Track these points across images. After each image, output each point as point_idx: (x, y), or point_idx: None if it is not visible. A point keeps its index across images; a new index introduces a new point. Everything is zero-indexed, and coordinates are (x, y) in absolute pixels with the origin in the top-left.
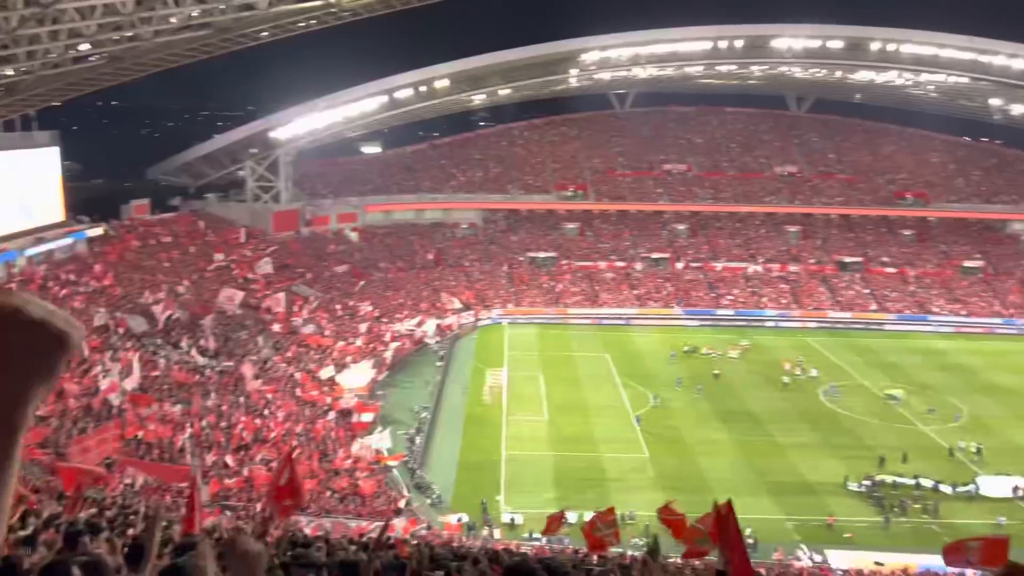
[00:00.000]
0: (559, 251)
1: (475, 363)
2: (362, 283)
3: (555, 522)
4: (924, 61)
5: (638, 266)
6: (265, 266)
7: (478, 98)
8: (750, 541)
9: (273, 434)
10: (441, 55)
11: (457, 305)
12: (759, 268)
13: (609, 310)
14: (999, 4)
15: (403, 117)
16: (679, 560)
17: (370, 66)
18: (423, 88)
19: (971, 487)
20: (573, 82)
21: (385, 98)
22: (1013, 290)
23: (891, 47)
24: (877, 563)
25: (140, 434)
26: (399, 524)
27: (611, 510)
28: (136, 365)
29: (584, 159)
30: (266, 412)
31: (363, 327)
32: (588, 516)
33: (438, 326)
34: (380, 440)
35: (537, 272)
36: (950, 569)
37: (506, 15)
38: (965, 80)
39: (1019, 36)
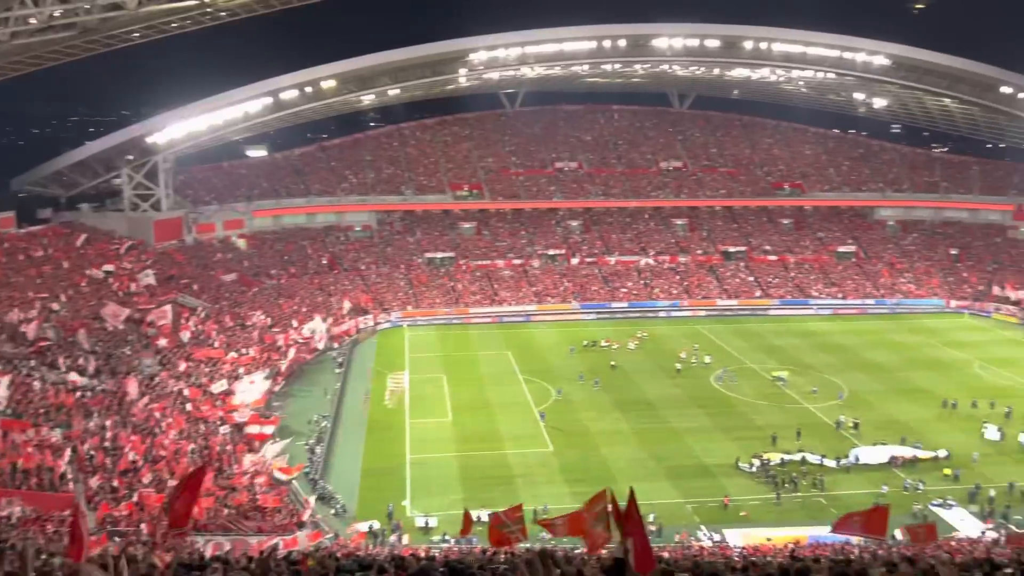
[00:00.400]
0: (457, 251)
1: (375, 367)
2: (253, 291)
3: (468, 523)
4: (794, 58)
5: (535, 263)
6: (147, 278)
7: (367, 98)
8: (653, 528)
9: (164, 453)
10: (329, 55)
11: (349, 308)
12: (650, 261)
13: (509, 308)
14: (861, 3)
15: (290, 119)
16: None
17: (254, 67)
18: (309, 89)
19: (850, 458)
20: (463, 82)
21: (269, 99)
22: (883, 273)
23: (763, 45)
24: (767, 539)
25: (19, 462)
26: (302, 537)
27: (519, 507)
28: (3, 388)
29: (477, 158)
30: (155, 431)
31: (255, 337)
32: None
33: (334, 332)
34: (278, 452)
35: (435, 273)
36: (837, 538)
37: (394, 15)
38: (832, 76)
39: (879, 34)
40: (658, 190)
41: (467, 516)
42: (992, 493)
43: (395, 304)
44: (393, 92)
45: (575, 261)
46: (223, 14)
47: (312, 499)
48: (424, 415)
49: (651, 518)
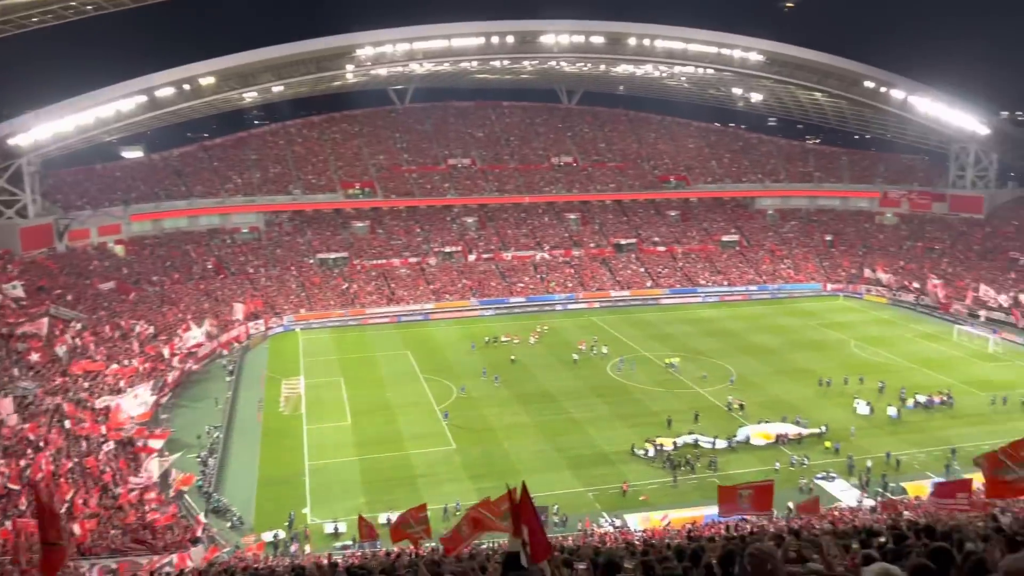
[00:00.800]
0: (350, 250)
1: (269, 374)
2: (133, 299)
3: (368, 527)
4: (675, 54)
5: (432, 261)
6: (15, 290)
7: (250, 96)
8: (557, 519)
9: (41, 476)
10: (209, 50)
11: (240, 316)
12: (546, 255)
13: (406, 307)
14: (737, 1)
15: (167, 118)
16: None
17: (127, 64)
18: (187, 86)
19: (737, 437)
20: (350, 78)
21: (144, 98)
22: (765, 260)
23: (646, 42)
24: (664, 520)
25: None
26: (197, 554)
27: (423, 507)
28: None
29: (368, 156)
30: (29, 453)
31: (137, 347)
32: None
33: (223, 338)
34: (166, 467)
35: (329, 274)
36: (731, 516)
37: (277, 8)
38: (711, 72)
39: (754, 31)
40: (551, 185)
41: (362, 521)
42: (869, 464)
43: (287, 307)
44: (277, 89)
45: (472, 257)
46: (89, 8)
47: (202, 515)
48: (322, 420)
49: (555, 509)
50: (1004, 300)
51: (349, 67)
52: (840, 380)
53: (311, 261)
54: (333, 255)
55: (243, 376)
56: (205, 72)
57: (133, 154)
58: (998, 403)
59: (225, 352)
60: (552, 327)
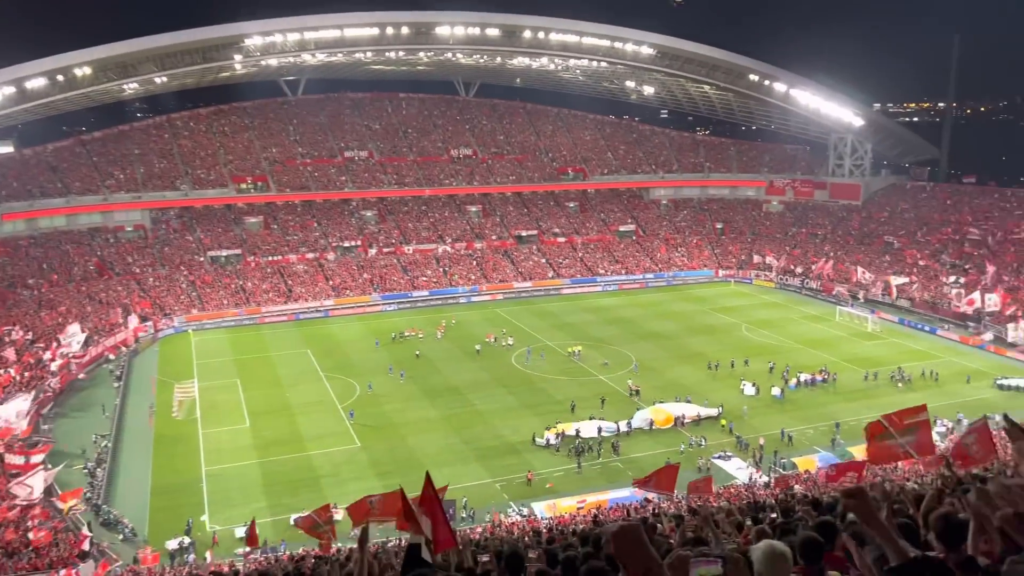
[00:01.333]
0: (244, 247)
1: (160, 378)
2: (8, 304)
3: (253, 535)
4: (570, 47)
5: (330, 256)
6: None
7: (131, 87)
8: (465, 514)
9: None
10: (85, 39)
11: (132, 318)
12: (448, 248)
13: (305, 304)
14: None
15: (39, 110)
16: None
17: None
18: (61, 77)
19: (634, 422)
20: (239, 68)
21: (12, 89)
22: (660, 248)
23: (541, 34)
24: (576, 506)
25: None
26: (87, 570)
27: (326, 507)
28: None
29: (260, 149)
30: None
31: (13, 355)
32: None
33: (109, 343)
34: (47, 480)
35: (221, 272)
36: (634, 499)
37: None
38: (605, 64)
39: (646, 24)
40: (451, 178)
41: (253, 528)
42: (762, 441)
43: (178, 308)
44: (160, 80)
45: (372, 252)
46: None
47: (86, 528)
48: (218, 424)
49: (464, 502)
50: (880, 281)
51: (237, 57)
52: (728, 363)
53: (202, 259)
54: (225, 252)
55: (132, 381)
56: (81, 62)
57: (3, 149)
58: (870, 378)
59: (112, 357)
60: (458, 320)
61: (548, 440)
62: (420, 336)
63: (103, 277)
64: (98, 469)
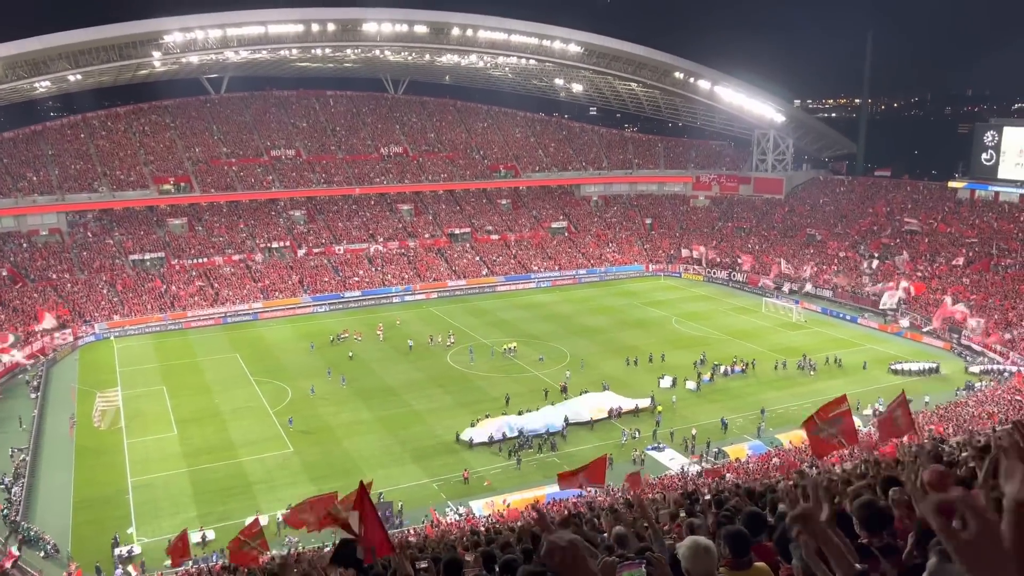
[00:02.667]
0: (167, 250)
1: (80, 387)
2: None
3: (180, 550)
4: (498, 45)
5: (258, 257)
6: None
7: (43, 85)
8: (398, 520)
9: None
10: None
11: (48, 325)
12: (380, 247)
13: (233, 307)
14: None
15: None
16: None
17: None
18: None
19: (570, 415)
20: (158, 66)
21: None
22: (591, 244)
23: (469, 32)
24: (507, 503)
25: None
26: None
27: (255, 522)
28: None
29: (183, 149)
30: None
31: None
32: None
33: (23, 352)
34: None
35: (144, 276)
36: (572, 493)
37: None
38: (533, 62)
39: (573, 22)
40: (381, 176)
41: (179, 540)
42: (694, 432)
43: (98, 315)
44: (75, 78)
45: (302, 252)
46: None
47: (14, 547)
48: (144, 433)
49: (399, 507)
50: (806, 272)
51: (156, 54)
52: (646, 357)
53: (123, 263)
54: (148, 256)
55: (50, 392)
56: None
57: None
58: (779, 368)
59: (28, 366)
60: (393, 321)
61: (472, 440)
62: (358, 338)
63: (16, 284)
64: (15, 485)
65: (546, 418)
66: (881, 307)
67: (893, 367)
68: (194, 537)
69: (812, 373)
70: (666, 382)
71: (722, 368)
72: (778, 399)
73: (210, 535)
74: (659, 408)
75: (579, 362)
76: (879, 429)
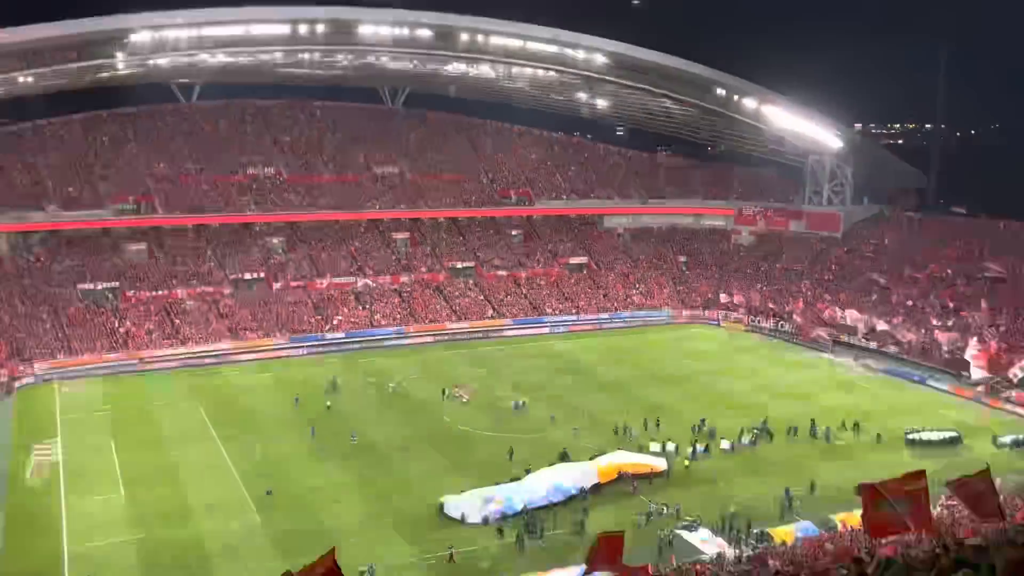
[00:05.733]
0: (123, 279)
1: (14, 437)
2: None
3: None
4: (512, 53)
5: (227, 291)
6: None
7: None
8: None
9: None
10: None
11: None
12: (369, 282)
13: (195, 348)
14: None
15: None
16: None
17: None
18: None
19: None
20: (121, 68)
21: None
22: (615, 285)
23: (479, 38)
24: None
25: None
26: None
27: None
28: None
29: (145, 164)
30: None
31: None
32: None
33: None
34: None
35: (95, 309)
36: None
37: None
38: (553, 73)
39: (598, 29)
40: (374, 200)
41: None
42: (732, 509)
43: (39, 353)
44: (25, 80)
45: (278, 286)
46: None
47: None
48: (86, 492)
49: None
50: (867, 323)
51: (120, 55)
52: (641, 423)
53: (71, 293)
54: (100, 286)
55: None
56: None
57: None
58: (848, 429)
59: None
60: (382, 367)
61: (464, 516)
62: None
63: None
64: None
65: (545, 485)
66: (972, 379)
67: (909, 436)
68: None
69: (833, 440)
70: (656, 448)
71: (724, 442)
72: (831, 470)
73: None
74: (686, 462)
75: (598, 421)
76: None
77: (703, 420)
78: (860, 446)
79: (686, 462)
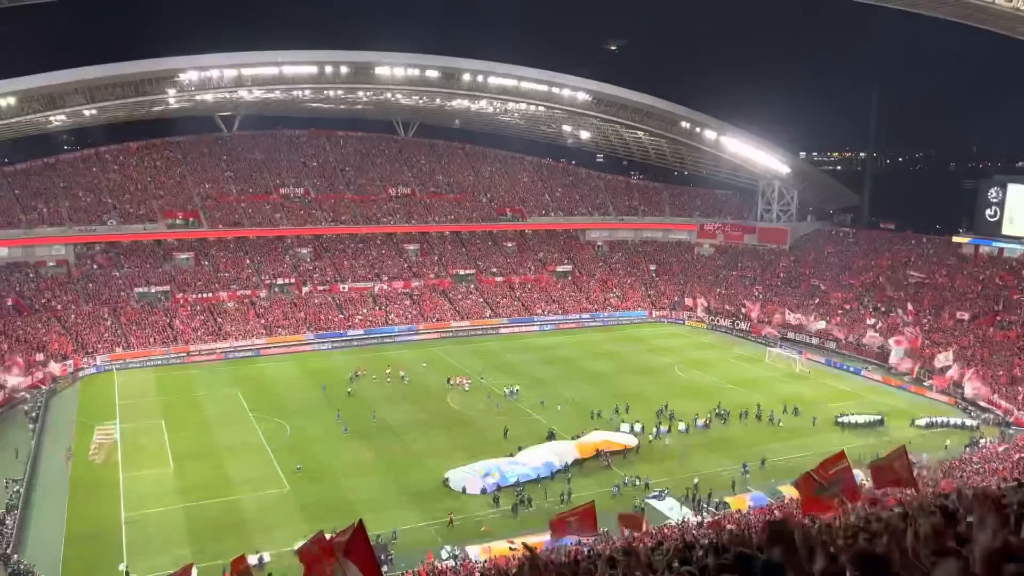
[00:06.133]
0: (173, 284)
1: (79, 419)
2: None
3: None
4: (508, 91)
5: (263, 294)
6: None
7: (58, 119)
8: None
9: None
10: (9, 69)
11: (42, 358)
12: (384, 286)
13: (236, 343)
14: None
15: None
16: None
17: None
18: None
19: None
20: (172, 103)
21: None
22: (595, 289)
23: (480, 78)
24: (511, 547)
25: None
26: None
27: (242, 558)
28: None
29: (193, 184)
30: None
31: None
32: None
33: (24, 383)
34: None
35: (149, 309)
36: (569, 540)
37: (90, 27)
38: (542, 108)
39: (582, 71)
40: (388, 216)
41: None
42: (696, 480)
43: (101, 347)
44: (90, 112)
45: (307, 289)
46: None
47: None
48: (140, 467)
49: (389, 556)
50: (810, 323)
51: (171, 92)
52: (611, 408)
53: (128, 296)
54: (154, 289)
55: (48, 423)
56: (5, 92)
57: None
58: (789, 413)
59: (27, 397)
60: (394, 360)
61: (465, 489)
62: (362, 373)
63: (21, 315)
64: (8, 516)
65: (535, 461)
66: (891, 363)
67: (839, 420)
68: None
69: (780, 423)
70: (625, 428)
71: (681, 424)
72: (782, 450)
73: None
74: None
75: (578, 407)
76: (873, 477)
77: (666, 405)
78: (801, 429)
79: (650, 438)
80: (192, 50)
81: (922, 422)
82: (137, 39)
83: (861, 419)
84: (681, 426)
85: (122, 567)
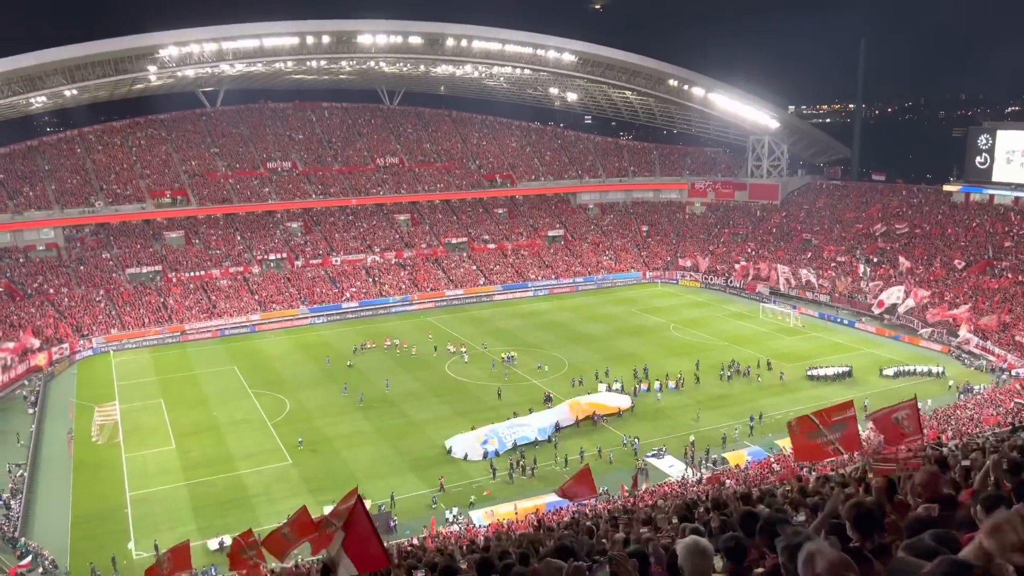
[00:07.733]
0: (164, 263)
1: (78, 401)
2: None
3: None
4: (492, 55)
5: (255, 269)
6: None
7: (39, 100)
8: (393, 524)
9: None
10: None
11: (36, 343)
12: (377, 258)
13: (230, 319)
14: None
15: None
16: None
17: None
18: None
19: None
20: (154, 80)
21: None
22: (588, 252)
23: (464, 42)
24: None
25: None
26: None
27: (248, 532)
28: None
29: (179, 162)
30: None
31: None
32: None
33: (20, 368)
34: None
35: (142, 289)
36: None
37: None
38: (528, 72)
39: (567, 31)
40: (378, 187)
41: (180, 551)
42: (692, 439)
43: (96, 329)
44: (71, 93)
45: (299, 264)
46: None
47: (27, 560)
48: (142, 447)
49: (393, 523)
50: (804, 276)
51: (152, 68)
52: (592, 374)
53: (121, 277)
54: (145, 269)
55: (48, 407)
56: None
57: None
58: (763, 367)
59: (25, 382)
60: (390, 331)
61: (466, 456)
62: (371, 345)
63: (14, 299)
64: (13, 500)
65: (533, 425)
66: (883, 304)
67: (809, 373)
68: (212, 544)
69: (759, 380)
70: (602, 388)
71: (656, 384)
72: (776, 405)
73: (213, 543)
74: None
75: (576, 370)
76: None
77: (645, 367)
78: (780, 384)
79: (658, 394)
80: (172, 25)
81: (890, 371)
82: (115, 17)
83: (830, 372)
84: (656, 386)
85: (130, 545)
